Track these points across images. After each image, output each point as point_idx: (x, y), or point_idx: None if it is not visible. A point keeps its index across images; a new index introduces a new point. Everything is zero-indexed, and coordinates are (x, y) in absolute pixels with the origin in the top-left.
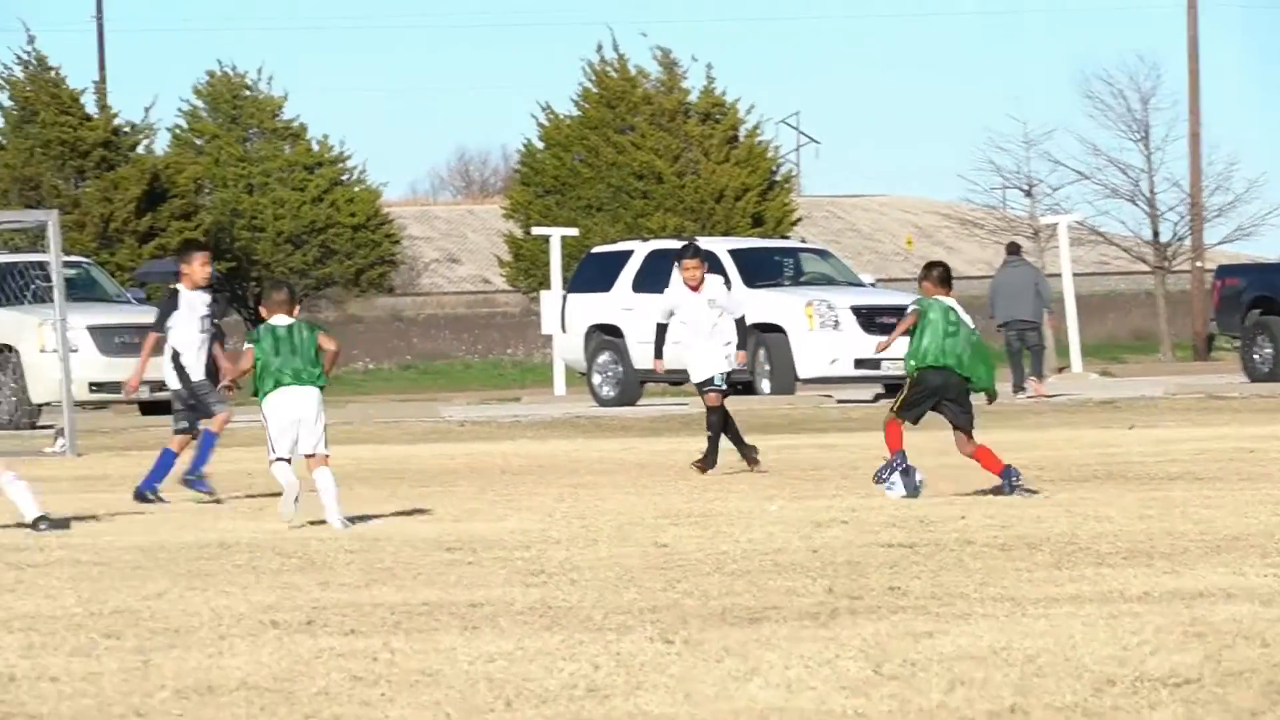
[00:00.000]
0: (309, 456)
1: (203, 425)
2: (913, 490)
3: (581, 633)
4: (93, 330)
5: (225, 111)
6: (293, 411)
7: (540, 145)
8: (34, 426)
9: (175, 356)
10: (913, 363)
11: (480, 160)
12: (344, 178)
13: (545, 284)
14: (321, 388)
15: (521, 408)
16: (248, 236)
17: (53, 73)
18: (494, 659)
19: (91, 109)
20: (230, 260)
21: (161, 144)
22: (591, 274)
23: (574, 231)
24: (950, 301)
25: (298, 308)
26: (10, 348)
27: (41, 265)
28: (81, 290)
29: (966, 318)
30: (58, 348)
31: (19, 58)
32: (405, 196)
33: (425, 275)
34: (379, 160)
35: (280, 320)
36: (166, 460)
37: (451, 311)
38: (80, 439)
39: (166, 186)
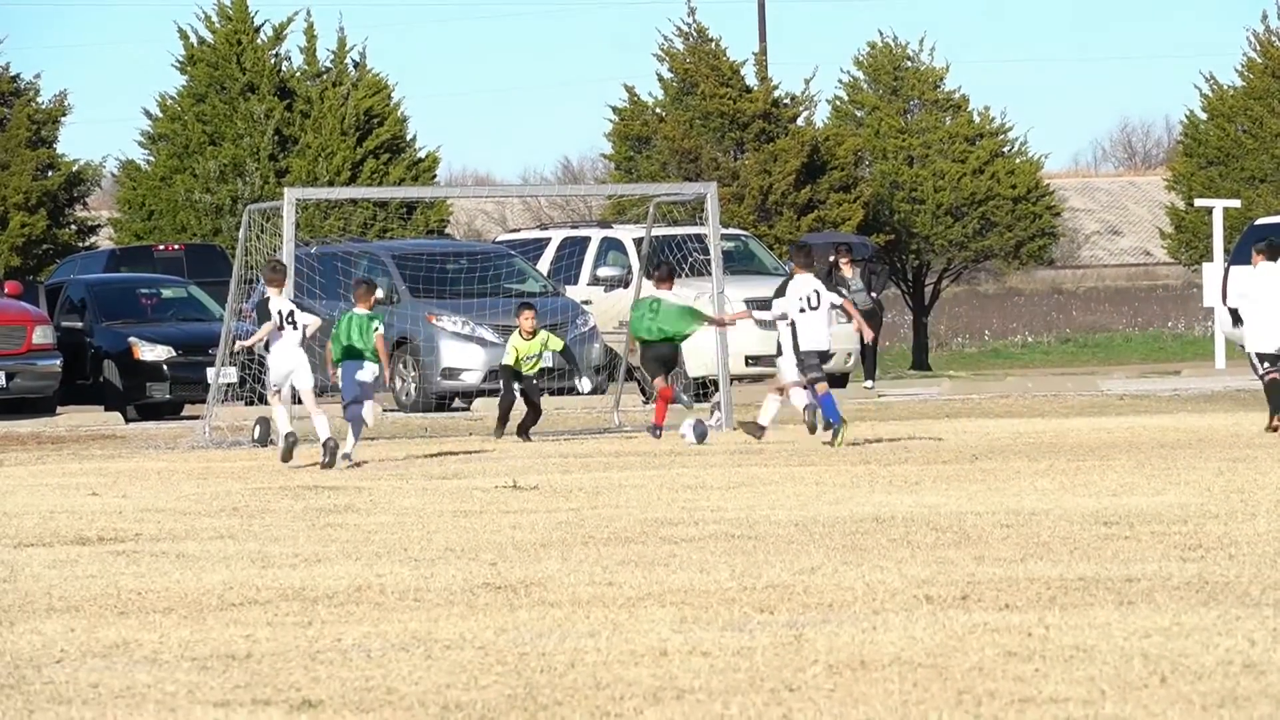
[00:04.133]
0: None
1: None
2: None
3: (1238, 608)
4: (749, 303)
5: (885, 83)
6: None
7: (1203, 116)
8: (696, 400)
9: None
10: None
11: (1143, 131)
12: (1005, 149)
13: (1207, 256)
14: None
15: (1181, 381)
16: (907, 209)
17: (712, 45)
18: (1149, 634)
19: (751, 81)
20: (889, 233)
21: (821, 116)
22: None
23: (1237, 203)
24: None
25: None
26: None
27: (699, 238)
28: (739, 263)
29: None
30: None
31: (679, 30)
32: (1067, 168)
33: (1086, 248)
34: (1041, 131)
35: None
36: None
37: (1112, 284)
38: (736, 412)
39: (826, 159)
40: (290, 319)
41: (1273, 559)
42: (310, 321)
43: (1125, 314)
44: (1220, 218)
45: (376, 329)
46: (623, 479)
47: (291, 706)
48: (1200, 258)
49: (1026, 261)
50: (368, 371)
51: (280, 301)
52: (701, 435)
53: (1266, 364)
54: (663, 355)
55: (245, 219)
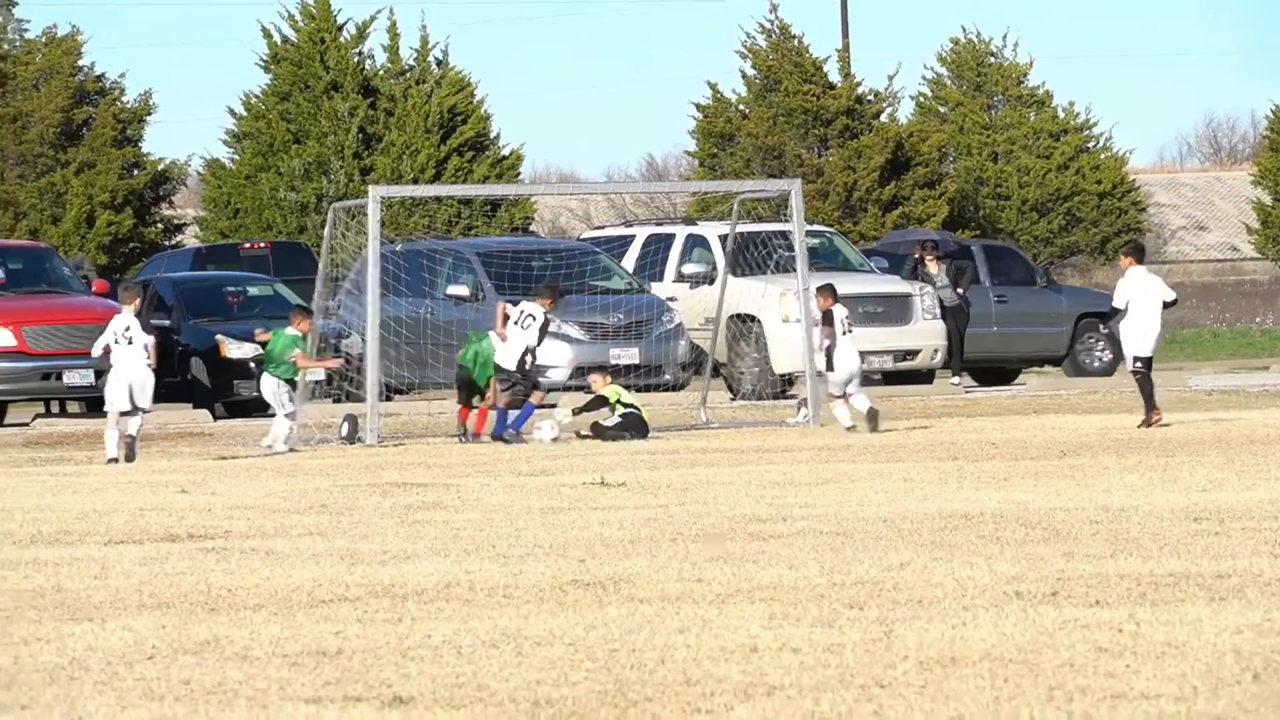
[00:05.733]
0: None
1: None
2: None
3: None
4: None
5: (969, 78)
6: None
7: None
8: (778, 397)
9: None
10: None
11: (1229, 126)
12: (1090, 145)
13: None
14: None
15: (1270, 376)
16: (991, 205)
17: (795, 41)
18: (1241, 630)
19: (834, 77)
20: (974, 229)
21: (905, 112)
22: None
23: None
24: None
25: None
26: (753, 318)
27: (784, 234)
28: (824, 259)
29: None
30: (801, 318)
31: (762, 27)
32: (1152, 163)
33: (1172, 243)
34: (1126, 127)
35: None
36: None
37: (1198, 280)
38: (822, 409)
39: (910, 155)
40: (128, 336)
41: None
42: (149, 340)
43: (1213, 310)
44: None
45: (295, 350)
46: (710, 475)
47: (383, 703)
48: None
49: (1112, 257)
50: (268, 385)
51: (123, 319)
52: (553, 435)
53: (1139, 364)
54: (467, 381)
55: (330, 217)
